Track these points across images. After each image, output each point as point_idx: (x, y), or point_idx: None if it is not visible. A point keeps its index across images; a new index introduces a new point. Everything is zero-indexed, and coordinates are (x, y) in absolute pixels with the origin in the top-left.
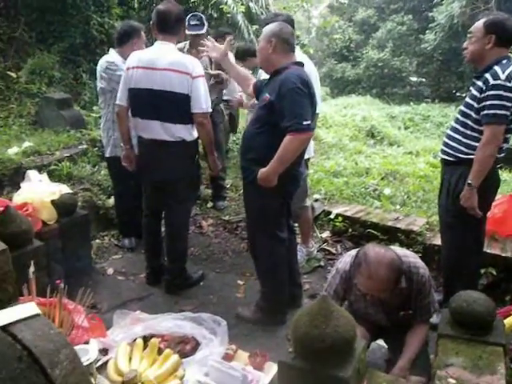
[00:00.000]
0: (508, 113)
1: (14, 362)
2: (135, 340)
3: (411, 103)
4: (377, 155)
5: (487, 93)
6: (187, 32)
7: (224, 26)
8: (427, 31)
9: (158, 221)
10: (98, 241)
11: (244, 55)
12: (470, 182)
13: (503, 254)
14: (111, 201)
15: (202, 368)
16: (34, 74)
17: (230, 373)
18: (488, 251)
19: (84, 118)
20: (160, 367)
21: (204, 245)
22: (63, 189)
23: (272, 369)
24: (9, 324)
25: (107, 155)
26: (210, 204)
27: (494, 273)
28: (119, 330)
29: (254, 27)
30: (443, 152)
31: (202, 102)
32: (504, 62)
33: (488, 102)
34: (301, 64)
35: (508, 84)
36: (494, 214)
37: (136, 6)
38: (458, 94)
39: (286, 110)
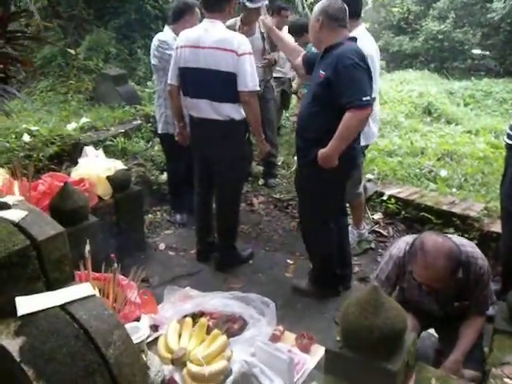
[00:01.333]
0: None
1: (72, 340)
2: (185, 317)
3: (472, 78)
4: (433, 134)
5: None
6: (248, 5)
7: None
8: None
9: (210, 198)
10: (150, 216)
11: (300, 30)
12: None
13: None
14: (164, 176)
15: (248, 348)
16: (92, 51)
17: (276, 355)
18: None
19: (138, 93)
20: (208, 347)
21: (254, 223)
22: (118, 165)
23: (318, 351)
24: (67, 303)
25: (159, 131)
26: (261, 181)
27: None
28: (169, 306)
29: (309, 0)
30: (509, 136)
31: (248, 80)
32: None
33: None
34: (354, 39)
35: None
36: None
37: None
38: None
39: (345, 86)
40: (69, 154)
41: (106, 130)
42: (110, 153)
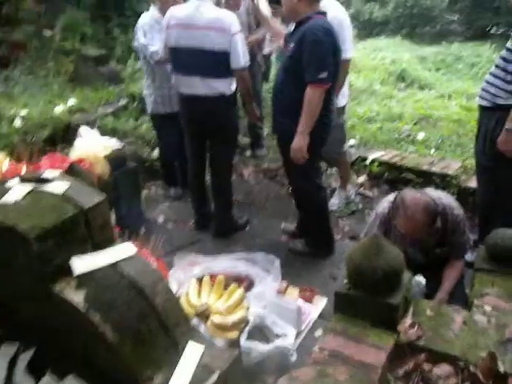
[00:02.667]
0: None
1: (125, 292)
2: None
3: (443, 43)
4: (408, 99)
5: None
6: None
7: None
8: None
9: (203, 170)
10: (145, 191)
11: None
12: (507, 127)
13: None
14: (155, 153)
15: (258, 303)
16: (67, 31)
17: (285, 305)
18: None
19: (120, 73)
20: (228, 300)
21: (246, 192)
22: (114, 144)
23: (320, 302)
24: (116, 261)
25: (149, 112)
26: (248, 153)
27: None
28: (180, 271)
29: None
30: (481, 98)
31: (241, 57)
32: None
33: None
34: (324, 14)
35: None
36: None
37: None
38: (492, 31)
39: (306, 61)
40: (62, 135)
41: (93, 111)
42: (100, 133)
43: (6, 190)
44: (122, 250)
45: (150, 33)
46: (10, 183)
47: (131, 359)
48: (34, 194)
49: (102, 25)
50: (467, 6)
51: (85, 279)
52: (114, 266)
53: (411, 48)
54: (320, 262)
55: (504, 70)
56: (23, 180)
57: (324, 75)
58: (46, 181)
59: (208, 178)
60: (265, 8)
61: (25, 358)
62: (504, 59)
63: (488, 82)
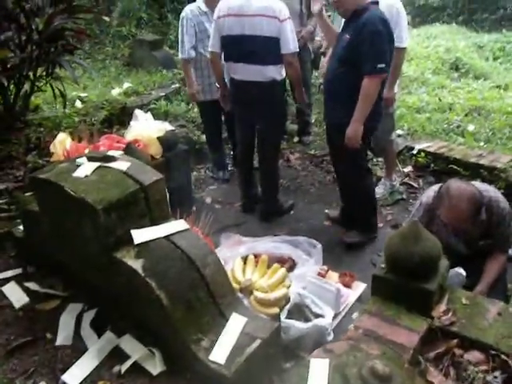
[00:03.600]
0: None
1: (178, 262)
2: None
3: (504, 30)
4: (461, 90)
5: None
6: None
7: None
8: None
9: (251, 154)
10: (195, 173)
11: None
12: None
13: None
14: (204, 137)
15: (299, 283)
16: (124, 17)
17: (325, 287)
18: None
19: (173, 57)
20: (271, 278)
21: (292, 177)
22: (167, 126)
23: (359, 287)
24: (170, 235)
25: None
26: (296, 139)
27: None
28: (226, 249)
29: None
30: None
31: (290, 43)
32: None
33: None
34: (377, 3)
35: None
36: None
37: None
38: None
39: (366, 52)
40: (117, 117)
41: (148, 94)
42: (153, 115)
43: (76, 167)
44: (176, 225)
45: (186, 27)
46: (79, 160)
47: (181, 323)
48: (100, 170)
49: (156, 10)
50: None
51: (143, 249)
52: (168, 238)
53: (468, 35)
54: (361, 249)
55: None
56: (91, 158)
57: (382, 65)
58: (110, 159)
59: (256, 161)
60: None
61: (89, 316)
62: None
63: None
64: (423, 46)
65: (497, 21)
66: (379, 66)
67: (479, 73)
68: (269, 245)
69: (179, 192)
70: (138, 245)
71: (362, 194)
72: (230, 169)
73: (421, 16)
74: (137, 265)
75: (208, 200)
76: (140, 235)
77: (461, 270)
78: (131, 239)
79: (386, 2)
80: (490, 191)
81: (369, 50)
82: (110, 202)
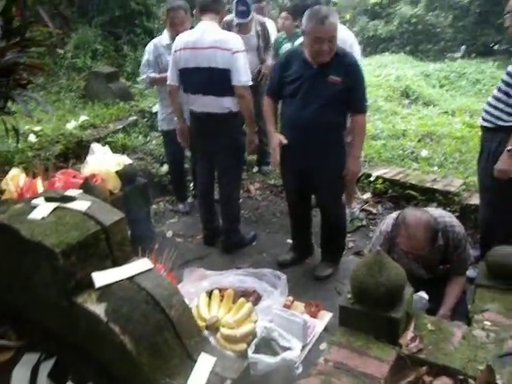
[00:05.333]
0: None
1: (143, 304)
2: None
3: (446, 60)
4: (413, 116)
5: None
6: (235, 20)
7: None
8: None
9: (212, 186)
10: (154, 206)
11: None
12: (510, 148)
13: None
14: (164, 168)
15: (265, 316)
16: (79, 49)
17: (291, 319)
18: None
19: (130, 89)
20: (237, 313)
21: (253, 208)
22: (125, 160)
23: (325, 317)
24: (133, 276)
25: (159, 129)
26: (255, 169)
27: None
28: (189, 284)
29: None
30: (484, 119)
31: (242, 75)
32: None
33: None
34: None
35: None
36: None
37: None
38: (495, 47)
39: (359, 91)
40: (73, 151)
41: (104, 127)
42: (111, 149)
43: (32, 208)
44: (139, 265)
45: (148, 58)
46: (35, 201)
47: (148, 368)
48: (58, 211)
49: (112, 42)
50: (470, 22)
51: (105, 292)
52: (132, 279)
53: (415, 64)
54: (325, 278)
55: (506, 93)
56: (48, 199)
57: (368, 102)
58: (69, 199)
59: (216, 193)
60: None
61: (46, 367)
62: (506, 83)
63: (490, 105)
64: (375, 74)
65: (440, 51)
66: (367, 103)
67: (428, 100)
68: (233, 278)
69: (139, 227)
70: (99, 288)
71: (343, 224)
72: (190, 201)
73: (370, 46)
74: (99, 309)
75: (169, 234)
76: (101, 278)
77: (424, 295)
78: (92, 282)
79: (339, 38)
80: (445, 217)
81: (360, 89)
82: (70, 244)
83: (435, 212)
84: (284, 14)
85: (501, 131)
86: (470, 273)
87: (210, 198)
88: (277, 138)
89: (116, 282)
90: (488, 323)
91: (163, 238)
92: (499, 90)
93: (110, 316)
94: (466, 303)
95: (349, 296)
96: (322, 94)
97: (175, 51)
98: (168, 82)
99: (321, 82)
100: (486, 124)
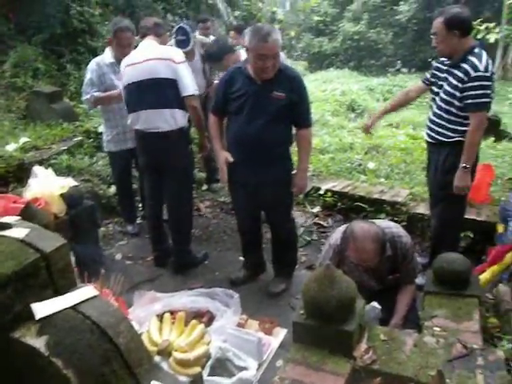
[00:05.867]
0: (490, 100)
1: (88, 334)
2: (157, 316)
3: (388, 74)
4: (359, 129)
5: (470, 84)
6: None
7: (203, 10)
8: (401, 2)
9: (161, 206)
10: (103, 229)
11: (221, 54)
12: (464, 165)
13: (478, 219)
14: (112, 190)
15: (219, 336)
16: (18, 67)
17: (246, 337)
18: (466, 217)
19: (74, 109)
20: (189, 336)
21: (203, 226)
22: (70, 182)
23: (280, 333)
24: (76, 304)
25: (105, 149)
26: (204, 187)
27: (472, 235)
28: (140, 308)
29: (237, 13)
30: (428, 136)
31: (189, 85)
32: (476, 50)
33: (472, 92)
34: None
35: (487, 74)
36: None
37: None
38: (433, 62)
39: (303, 106)
40: (14, 175)
41: (47, 149)
42: (55, 171)
43: None
44: (84, 292)
45: (92, 77)
46: None
47: None
48: None
49: (54, 61)
50: (409, 39)
51: (46, 324)
52: (75, 308)
53: (360, 79)
54: (278, 293)
55: (447, 111)
56: None
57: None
58: (5, 226)
59: (166, 213)
60: None
61: None
62: (446, 101)
63: (433, 122)
64: (321, 89)
65: (382, 66)
66: (311, 117)
67: (373, 113)
68: (185, 299)
69: (86, 251)
70: (40, 320)
71: (294, 238)
72: (139, 222)
73: (316, 62)
74: (39, 343)
75: (118, 256)
76: (42, 309)
77: (376, 305)
78: (32, 314)
79: None
80: (392, 227)
81: (304, 103)
82: (5, 275)
83: (382, 223)
84: (232, 33)
85: (446, 145)
86: (419, 280)
87: (159, 218)
88: (223, 156)
89: (58, 312)
90: (437, 329)
91: (112, 261)
92: (440, 108)
93: (52, 349)
94: (416, 310)
95: (301, 312)
96: (267, 110)
97: (121, 71)
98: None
99: (265, 98)
100: (430, 140)
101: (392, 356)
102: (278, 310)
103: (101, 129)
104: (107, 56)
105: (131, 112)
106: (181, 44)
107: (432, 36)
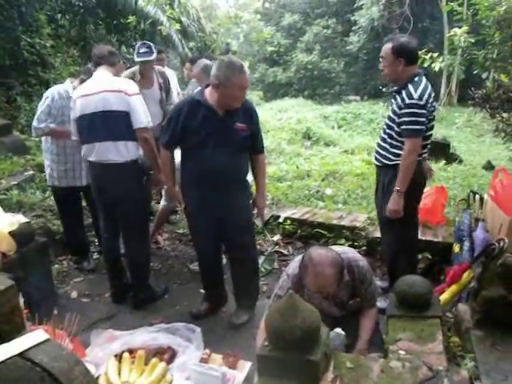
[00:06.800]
0: (423, 127)
1: (38, 382)
2: (116, 356)
3: (342, 102)
4: (315, 156)
5: (404, 110)
6: (136, 59)
7: (158, 41)
8: (351, 33)
9: (117, 240)
10: (57, 266)
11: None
12: (398, 188)
13: (435, 240)
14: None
15: (182, 373)
16: None
17: (209, 373)
18: (423, 238)
19: (25, 143)
20: (150, 375)
21: (163, 259)
22: (20, 218)
23: (245, 366)
24: (25, 350)
25: (49, 184)
26: None
27: (430, 257)
28: (97, 348)
29: (191, 43)
30: (375, 158)
31: (142, 117)
32: (416, 79)
33: (406, 119)
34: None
35: (420, 102)
36: (425, 205)
37: (66, 24)
38: (383, 90)
39: (259, 133)
40: None
41: None
42: (4, 207)
43: None
44: (33, 337)
45: (51, 107)
46: None
47: None
48: None
49: (4, 93)
50: (360, 68)
51: None
52: (23, 355)
53: (314, 107)
54: (241, 325)
55: (389, 135)
56: None
57: None
58: None
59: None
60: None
61: None
62: (388, 126)
63: (379, 145)
64: (276, 118)
65: (335, 94)
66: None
67: (328, 140)
68: (145, 336)
69: (39, 290)
70: None
71: (256, 268)
72: (95, 257)
73: (271, 92)
74: None
75: (74, 294)
76: None
77: (340, 331)
78: None
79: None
80: (348, 252)
81: (259, 131)
82: None
83: (338, 249)
84: (187, 65)
85: (391, 168)
86: (381, 303)
87: (116, 252)
88: (177, 197)
89: (4, 360)
90: (402, 352)
91: (68, 300)
92: (384, 132)
93: None
94: (380, 333)
95: (265, 343)
96: (232, 141)
97: (73, 102)
98: (74, 138)
99: (229, 130)
100: (376, 162)
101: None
102: (242, 342)
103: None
104: (69, 88)
105: (85, 143)
106: (144, 54)
107: (380, 59)
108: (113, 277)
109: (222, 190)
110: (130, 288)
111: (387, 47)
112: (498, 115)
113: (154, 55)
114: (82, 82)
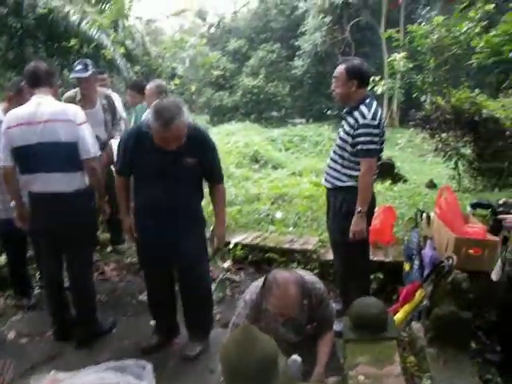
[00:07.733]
0: (378, 146)
1: None
2: None
3: (288, 125)
4: (264, 180)
5: (358, 131)
6: (71, 76)
7: (102, 66)
8: (295, 58)
9: (60, 273)
10: None
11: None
12: (359, 209)
13: (386, 260)
14: (2, 259)
15: None
16: None
17: None
18: (374, 258)
19: None
20: None
21: (109, 290)
22: None
23: None
24: None
25: None
26: (109, 249)
27: (381, 276)
28: None
29: (136, 68)
30: (326, 180)
31: (90, 147)
32: (367, 100)
33: (361, 139)
34: None
35: (374, 122)
36: (374, 226)
37: (2, 47)
38: (328, 113)
39: (216, 165)
40: None
41: None
42: None
43: None
44: None
45: None
46: None
47: None
48: None
49: None
50: (305, 91)
51: None
52: None
53: (261, 131)
54: (195, 357)
55: (341, 156)
56: None
57: None
58: None
59: (67, 279)
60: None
61: None
62: (339, 147)
63: (329, 167)
64: (224, 142)
65: (281, 118)
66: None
67: (276, 163)
68: (91, 377)
69: None
70: None
71: (209, 296)
72: (36, 292)
73: (217, 116)
74: None
75: (11, 335)
76: None
77: (297, 357)
78: None
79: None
80: (305, 275)
81: (216, 162)
82: None
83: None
84: (129, 91)
85: (342, 190)
86: (336, 326)
87: (59, 286)
88: (128, 225)
89: None
90: (361, 377)
91: (4, 342)
92: (335, 153)
93: None
94: (337, 356)
95: (221, 378)
96: (179, 177)
97: (8, 128)
98: (1, 164)
99: (176, 165)
100: (327, 184)
101: None
102: (196, 375)
103: None
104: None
105: (25, 173)
106: (80, 71)
107: (333, 79)
108: (55, 313)
109: (170, 222)
110: (74, 323)
111: (341, 68)
112: (437, 136)
113: (89, 73)
114: (11, 99)
